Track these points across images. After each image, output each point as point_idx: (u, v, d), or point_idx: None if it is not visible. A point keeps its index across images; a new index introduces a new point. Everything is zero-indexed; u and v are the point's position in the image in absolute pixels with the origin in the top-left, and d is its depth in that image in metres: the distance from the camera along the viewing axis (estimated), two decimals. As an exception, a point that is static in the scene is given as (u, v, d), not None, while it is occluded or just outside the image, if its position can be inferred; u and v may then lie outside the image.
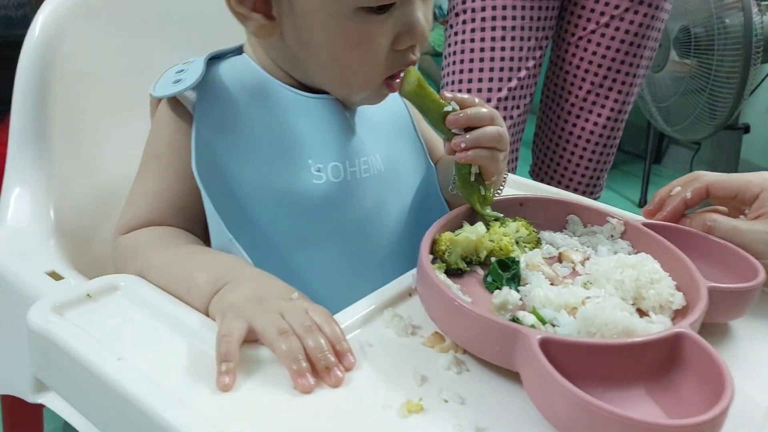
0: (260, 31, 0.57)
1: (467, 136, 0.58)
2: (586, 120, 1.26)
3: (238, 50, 0.64)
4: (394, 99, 0.68)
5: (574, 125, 1.27)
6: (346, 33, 0.54)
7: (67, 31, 0.71)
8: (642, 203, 2.42)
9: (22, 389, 0.58)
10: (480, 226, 0.57)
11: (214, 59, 0.61)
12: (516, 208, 0.63)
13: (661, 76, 1.90)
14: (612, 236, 0.61)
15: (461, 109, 0.59)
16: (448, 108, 0.58)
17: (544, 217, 0.63)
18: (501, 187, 0.70)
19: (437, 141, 0.75)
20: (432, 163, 0.72)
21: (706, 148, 2.03)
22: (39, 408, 1.03)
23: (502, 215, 0.61)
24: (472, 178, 0.61)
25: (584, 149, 1.28)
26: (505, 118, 1.13)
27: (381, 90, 0.60)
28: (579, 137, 1.27)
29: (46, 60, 0.69)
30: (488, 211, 0.61)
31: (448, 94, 0.59)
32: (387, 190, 0.66)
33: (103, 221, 0.73)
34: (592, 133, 1.26)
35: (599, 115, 1.25)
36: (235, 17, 0.57)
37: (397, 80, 0.59)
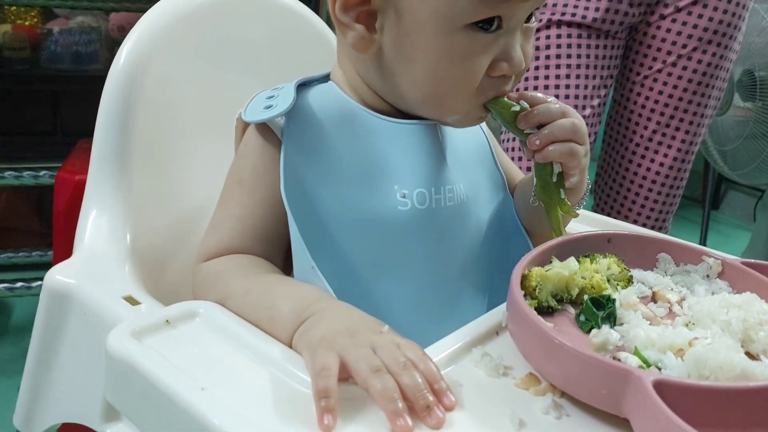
0: (359, 43, 0.56)
1: (542, 132, 0.58)
2: (652, 161, 1.22)
3: (325, 78, 0.63)
4: (475, 128, 0.66)
5: (639, 166, 1.24)
6: (450, 47, 0.54)
7: (150, 59, 0.72)
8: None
9: (91, 417, 0.57)
10: (572, 262, 0.54)
11: (302, 86, 0.60)
12: (603, 244, 0.60)
13: (724, 119, 1.86)
14: (708, 276, 0.58)
15: (531, 107, 0.58)
16: (516, 108, 0.58)
17: (633, 254, 0.60)
18: (584, 198, 0.67)
19: (515, 173, 0.73)
20: (510, 195, 0.70)
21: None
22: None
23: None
24: (554, 179, 0.59)
25: (649, 190, 1.24)
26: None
27: (478, 113, 0.59)
28: (644, 178, 1.23)
29: (130, 87, 0.70)
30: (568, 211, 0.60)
31: (514, 94, 0.59)
32: (466, 220, 0.64)
33: (179, 248, 0.72)
34: (657, 174, 1.22)
35: (665, 156, 1.21)
36: (336, 26, 0.57)
37: None
